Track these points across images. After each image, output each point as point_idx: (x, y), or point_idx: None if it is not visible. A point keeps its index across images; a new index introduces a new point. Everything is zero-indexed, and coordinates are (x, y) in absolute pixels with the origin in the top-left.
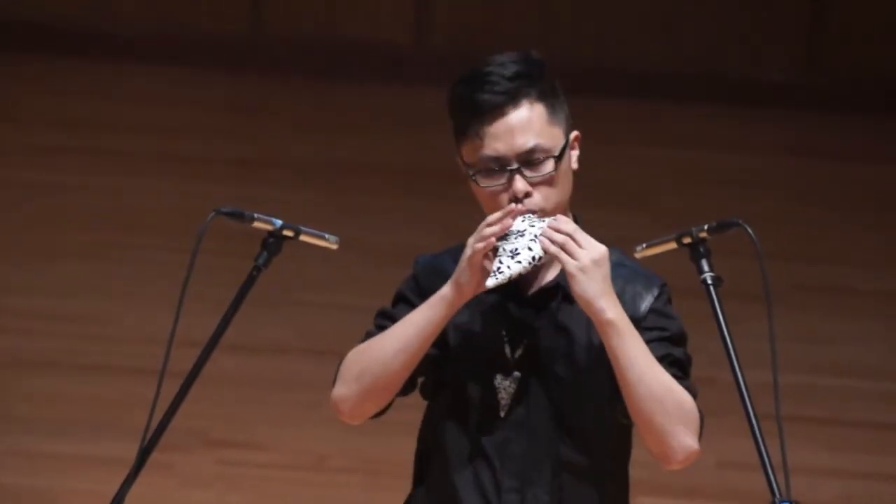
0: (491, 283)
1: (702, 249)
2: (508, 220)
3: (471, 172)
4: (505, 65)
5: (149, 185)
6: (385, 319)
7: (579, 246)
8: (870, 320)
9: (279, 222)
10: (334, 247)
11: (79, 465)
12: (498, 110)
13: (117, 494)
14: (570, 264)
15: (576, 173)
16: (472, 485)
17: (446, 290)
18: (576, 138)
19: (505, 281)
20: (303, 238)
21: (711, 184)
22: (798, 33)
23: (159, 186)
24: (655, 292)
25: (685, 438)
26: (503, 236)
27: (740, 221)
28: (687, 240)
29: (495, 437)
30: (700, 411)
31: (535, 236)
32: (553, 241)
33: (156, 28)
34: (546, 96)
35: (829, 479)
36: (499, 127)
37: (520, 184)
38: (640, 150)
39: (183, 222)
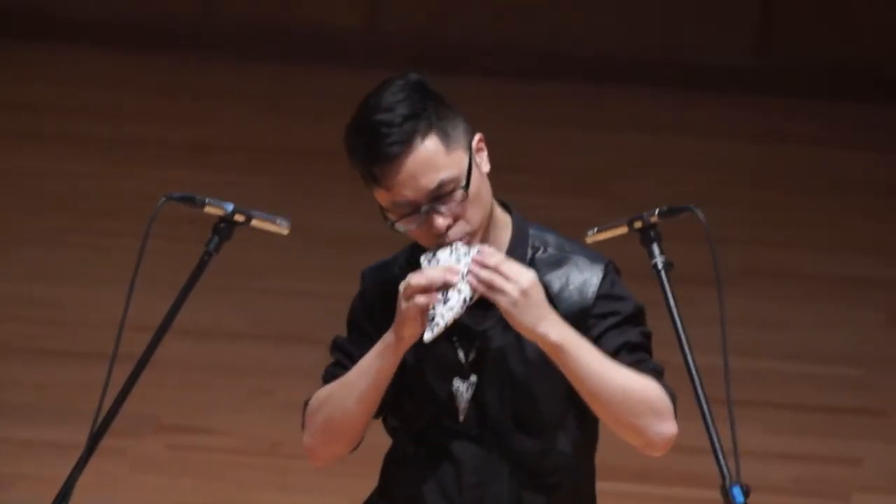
0: (428, 336)
1: (653, 234)
2: (435, 296)
3: (388, 219)
4: (392, 108)
5: (103, 170)
6: (341, 354)
7: (506, 278)
8: (821, 304)
9: (230, 207)
10: (285, 231)
11: (31, 451)
12: (396, 161)
13: (68, 480)
14: (501, 301)
15: (526, 157)
16: (434, 486)
17: (390, 338)
18: (480, 140)
19: (442, 331)
20: (254, 223)
21: (664, 168)
22: (751, 18)
23: (113, 171)
24: (600, 274)
25: (659, 427)
26: (431, 257)
27: (692, 206)
28: (638, 224)
29: (455, 440)
30: (670, 390)
31: (463, 275)
32: (480, 280)
33: (109, 12)
34: (436, 124)
35: (780, 463)
36: (401, 176)
37: (439, 220)
38: (593, 135)
39: (136, 207)
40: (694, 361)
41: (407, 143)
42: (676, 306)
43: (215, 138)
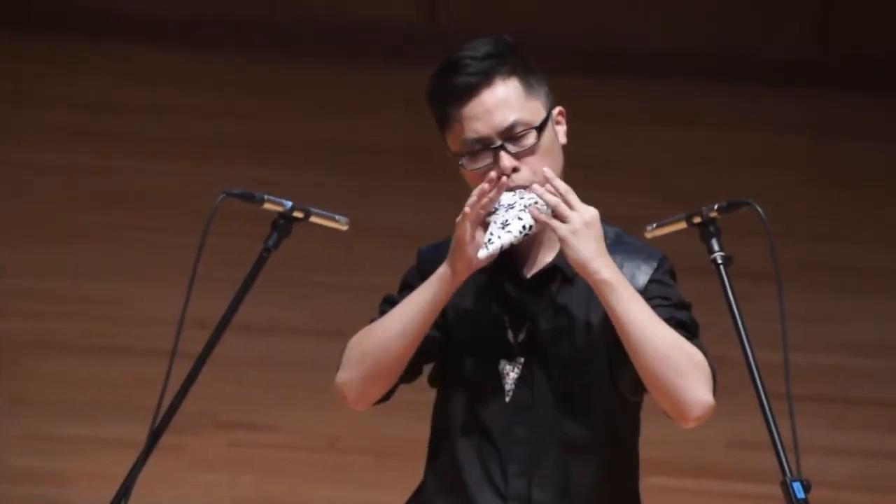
0: (483, 254)
1: (712, 229)
2: (493, 192)
3: (458, 160)
4: (475, 47)
5: (161, 167)
6: (388, 305)
7: (570, 208)
8: (881, 298)
9: (289, 203)
10: (344, 228)
11: (91, 447)
12: (473, 91)
13: (129, 476)
14: (562, 228)
15: (584, 153)
16: (480, 470)
17: (443, 268)
18: (560, 113)
19: (497, 252)
20: (313, 219)
21: (722, 163)
22: (810, 10)
23: (171, 168)
24: (654, 265)
25: (699, 392)
26: (493, 211)
27: (750, 201)
28: (697, 219)
29: (501, 423)
30: (712, 366)
31: (525, 206)
32: (546, 202)
33: (169, 9)
34: (520, 72)
35: (841, 459)
36: (476, 108)
37: (506, 160)
38: (650, 130)
39: (194, 204)
40: (754, 356)
41: (486, 77)
42: (736, 301)
43: (274, 135)
